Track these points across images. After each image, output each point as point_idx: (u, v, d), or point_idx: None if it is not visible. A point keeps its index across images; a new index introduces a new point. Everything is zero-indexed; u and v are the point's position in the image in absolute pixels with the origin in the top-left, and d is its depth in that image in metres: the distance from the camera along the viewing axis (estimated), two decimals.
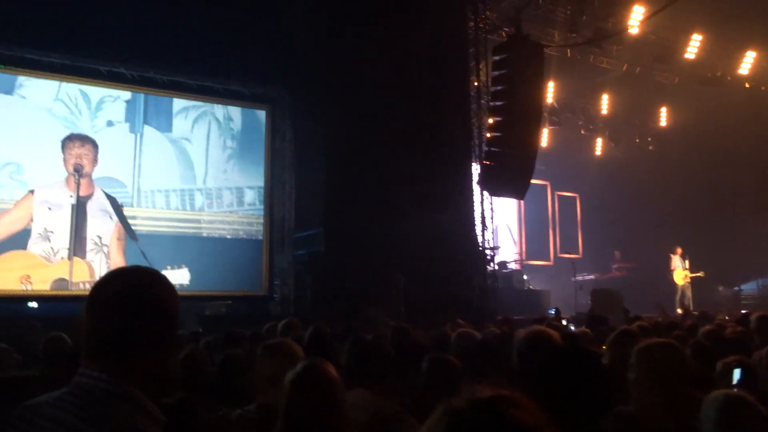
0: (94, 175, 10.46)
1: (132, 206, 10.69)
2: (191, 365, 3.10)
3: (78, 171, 10.19)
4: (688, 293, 14.56)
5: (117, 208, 10.49)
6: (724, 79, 15.08)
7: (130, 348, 1.35)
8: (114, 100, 10.81)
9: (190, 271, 10.77)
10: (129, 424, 1.29)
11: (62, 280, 9.80)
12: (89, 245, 10.20)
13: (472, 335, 4.47)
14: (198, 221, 11.22)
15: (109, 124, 10.72)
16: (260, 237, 11.72)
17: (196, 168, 11.33)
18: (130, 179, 10.74)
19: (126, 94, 10.91)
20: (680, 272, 14.52)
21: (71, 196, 10.14)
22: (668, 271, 14.83)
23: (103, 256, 10.28)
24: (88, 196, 10.30)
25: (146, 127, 11.01)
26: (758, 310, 11.51)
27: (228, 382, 3.39)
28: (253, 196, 11.79)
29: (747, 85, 15.35)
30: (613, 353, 3.56)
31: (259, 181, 11.86)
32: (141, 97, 11.03)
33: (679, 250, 14.77)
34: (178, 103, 11.34)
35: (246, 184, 11.74)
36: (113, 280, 1.43)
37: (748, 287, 15.93)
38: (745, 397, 2.18)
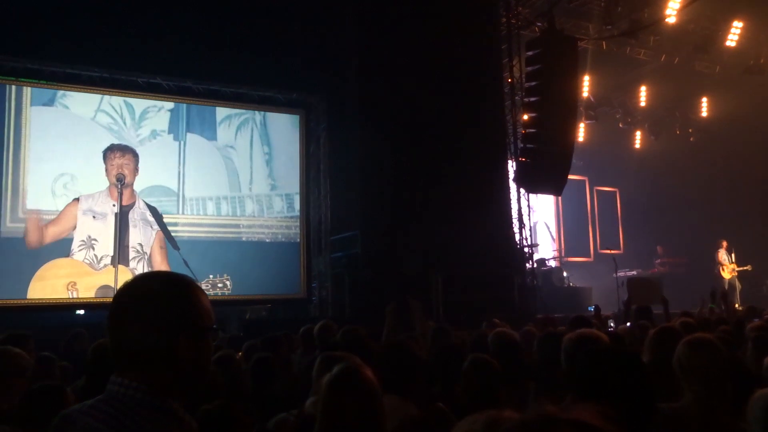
0: (139, 185, 10.71)
1: (176, 213, 10.90)
2: (224, 369, 3.14)
3: (120, 180, 10.44)
4: (737, 287, 14.17)
5: (158, 217, 10.72)
6: (767, 67, 14.61)
7: (153, 353, 1.34)
8: (158, 110, 11.05)
9: (231, 277, 10.93)
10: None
11: (107, 287, 10.04)
12: (131, 254, 10.45)
13: (508, 335, 4.43)
14: (238, 226, 11.38)
15: (153, 133, 10.96)
16: (298, 240, 11.82)
17: (236, 174, 11.50)
18: (175, 187, 10.97)
19: (168, 104, 11.15)
20: (728, 266, 14.14)
21: (114, 205, 10.39)
22: (714, 265, 14.45)
23: (145, 264, 10.51)
24: (130, 206, 10.55)
25: (189, 135, 11.22)
26: None
27: (259, 385, 3.42)
28: (290, 200, 11.91)
29: None
30: (654, 351, 3.49)
31: (295, 185, 11.97)
32: (183, 106, 11.26)
33: (725, 244, 14.40)
34: (220, 111, 11.54)
35: (283, 189, 11.86)
36: (134, 286, 1.41)
37: None
38: None
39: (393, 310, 5.65)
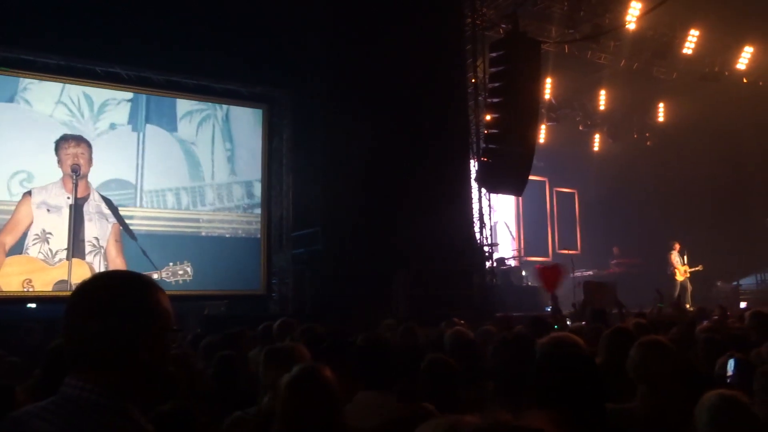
0: (96, 177, 10.45)
1: (134, 206, 10.68)
2: (183, 368, 3.09)
3: (75, 171, 10.17)
4: (688, 288, 14.57)
5: (114, 209, 10.47)
6: (722, 75, 15.06)
7: (110, 354, 1.30)
8: (117, 103, 10.80)
9: (192, 267, 10.76)
10: None
11: (63, 282, 9.80)
12: (87, 247, 10.20)
13: (465, 335, 4.46)
14: (197, 220, 11.21)
15: (112, 126, 10.72)
16: (258, 236, 11.71)
17: (196, 167, 11.34)
18: (133, 179, 10.75)
19: (127, 95, 10.90)
20: (680, 268, 14.52)
21: (68, 198, 10.12)
22: (667, 266, 14.83)
23: (101, 258, 10.27)
24: (85, 198, 10.28)
25: (148, 127, 11.01)
26: (756, 304, 11.56)
27: (223, 384, 3.38)
28: (251, 195, 11.79)
29: (744, 80, 15.33)
30: (607, 352, 3.57)
31: (257, 180, 11.86)
32: (142, 97, 11.03)
33: (677, 246, 14.77)
34: (180, 103, 11.35)
35: (245, 184, 11.74)
36: (91, 286, 1.37)
37: (747, 282, 15.95)
38: (737, 398, 2.14)
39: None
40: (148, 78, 10.97)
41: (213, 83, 11.52)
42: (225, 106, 11.74)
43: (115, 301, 1.33)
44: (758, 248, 15.79)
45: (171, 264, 10.67)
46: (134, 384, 1.33)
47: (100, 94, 10.70)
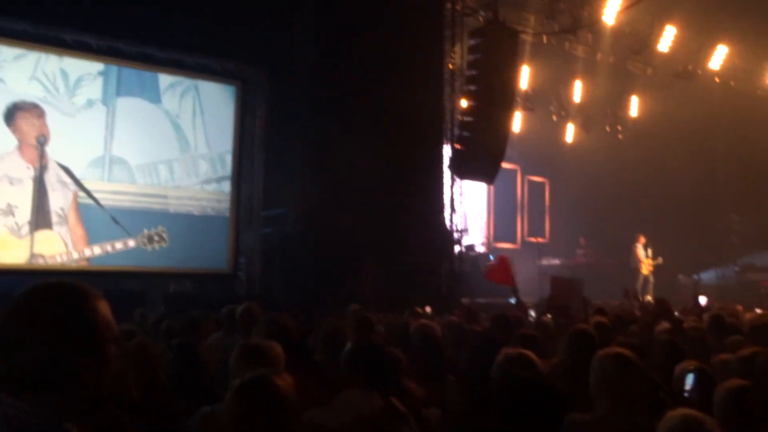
0: (63, 149, 10.14)
1: (101, 181, 10.43)
2: (139, 361, 3.02)
3: (42, 143, 9.87)
4: (651, 281, 14.86)
5: (73, 177, 10.18)
6: (695, 73, 15.24)
7: (48, 374, 1.25)
8: (92, 78, 10.48)
9: (168, 234, 10.59)
10: None
11: (34, 255, 9.60)
12: (54, 218, 9.96)
13: (429, 328, 4.48)
14: (165, 197, 11.01)
15: (89, 102, 10.43)
16: (227, 215, 11.57)
17: (166, 143, 11.11)
18: (101, 153, 10.47)
19: (98, 66, 10.57)
20: (644, 262, 14.78)
21: (28, 168, 9.83)
22: (631, 259, 15.08)
23: (67, 229, 10.05)
24: (45, 168, 9.98)
25: (118, 100, 10.70)
26: (716, 299, 11.84)
27: (179, 374, 3.32)
28: (221, 173, 11.61)
29: (717, 80, 15.54)
30: (568, 355, 3.62)
31: (228, 157, 11.68)
32: (113, 69, 10.72)
33: (643, 239, 15.02)
34: (153, 76, 11.06)
35: (215, 161, 11.56)
36: (24, 306, 1.30)
37: (707, 276, 16.32)
38: (702, 421, 2.10)
39: None
40: (120, 49, 10.65)
41: (186, 56, 11.25)
42: (198, 81, 11.49)
43: (50, 322, 1.27)
44: (720, 243, 16.16)
45: (146, 230, 10.51)
46: (78, 404, 1.29)
47: (74, 68, 10.34)
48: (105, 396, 1.36)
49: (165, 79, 11.20)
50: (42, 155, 9.87)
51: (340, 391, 2.89)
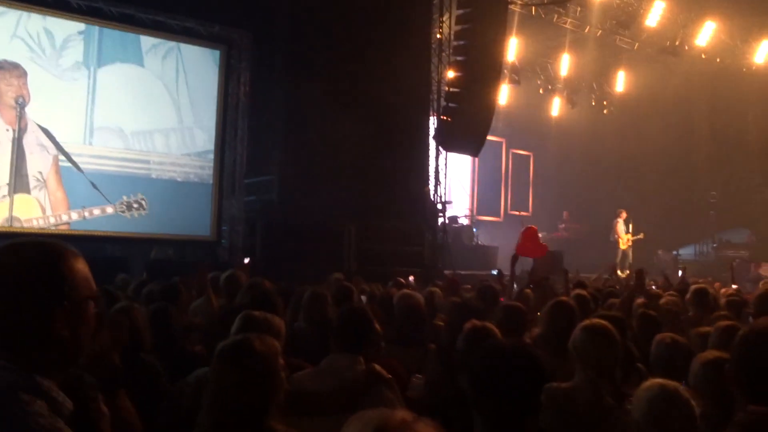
0: (44, 112, 9.93)
1: (82, 144, 10.26)
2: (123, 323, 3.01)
3: (21, 104, 9.66)
4: (629, 256, 15.03)
5: (53, 140, 10.00)
6: (682, 49, 15.24)
7: (28, 332, 1.26)
8: (71, 39, 10.22)
9: (151, 200, 10.48)
10: (21, 420, 1.18)
11: (10, 218, 9.47)
12: (32, 182, 9.80)
13: (413, 298, 4.51)
14: (148, 162, 10.88)
15: (76, 64, 10.21)
16: (210, 181, 11.48)
17: (150, 107, 10.93)
18: (82, 116, 10.28)
19: (79, 26, 10.32)
20: (623, 237, 14.93)
21: (7, 130, 9.63)
22: (611, 233, 15.24)
23: (46, 192, 9.91)
24: (24, 130, 9.78)
25: (100, 63, 10.49)
26: (693, 274, 12.00)
27: (159, 339, 3.32)
28: (204, 139, 11.48)
29: (703, 56, 15.55)
30: (548, 326, 3.67)
31: (211, 123, 11.54)
32: (95, 30, 10.47)
33: (624, 214, 15.15)
34: (135, 39, 10.82)
35: (198, 126, 11.41)
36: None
37: (686, 252, 16.56)
38: (678, 392, 2.15)
39: None
40: (100, 9, 10.39)
41: (170, 19, 11.03)
42: (181, 45, 11.28)
43: (24, 276, 1.27)
44: (699, 220, 16.36)
45: (125, 197, 10.38)
46: (53, 359, 1.29)
47: (60, 28, 10.09)
48: (82, 353, 1.36)
49: (147, 41, 10.98)
50: (21, 116, 9.67)
51: (320, 357, 2.91)
